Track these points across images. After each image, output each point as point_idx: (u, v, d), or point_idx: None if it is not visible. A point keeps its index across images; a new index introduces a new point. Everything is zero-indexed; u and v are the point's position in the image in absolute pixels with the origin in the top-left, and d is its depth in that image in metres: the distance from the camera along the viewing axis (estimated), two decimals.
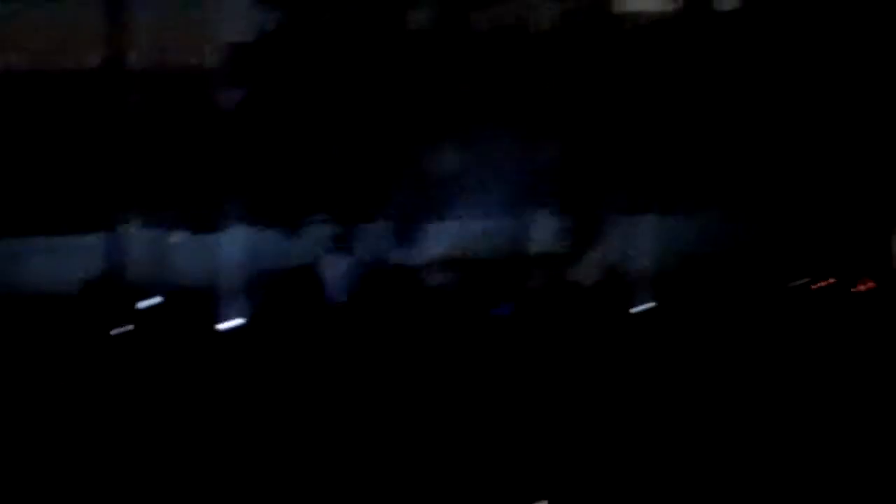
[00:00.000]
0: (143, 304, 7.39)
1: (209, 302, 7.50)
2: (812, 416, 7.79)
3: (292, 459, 7.15)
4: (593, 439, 7.63)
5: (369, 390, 7.58)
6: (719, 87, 8.27)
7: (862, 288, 8.51)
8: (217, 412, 7.24)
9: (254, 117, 7.57)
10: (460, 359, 7.81)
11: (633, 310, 8.22)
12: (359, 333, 7.69)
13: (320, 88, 7.69)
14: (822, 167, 8.41)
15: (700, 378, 7.95)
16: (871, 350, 8.17)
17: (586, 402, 7.80)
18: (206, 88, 7.51)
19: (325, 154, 7.72)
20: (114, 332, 7.30)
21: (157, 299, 7.39)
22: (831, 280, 8.48)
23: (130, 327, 7.34)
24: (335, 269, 7.77)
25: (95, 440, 7.00)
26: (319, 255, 7.73)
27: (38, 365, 7.12)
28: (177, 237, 7.47)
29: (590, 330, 8.07)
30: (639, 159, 8.19)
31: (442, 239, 7.93)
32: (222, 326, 7.48)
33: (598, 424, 7.71)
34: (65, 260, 7.29)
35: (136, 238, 7.41)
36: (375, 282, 7.86)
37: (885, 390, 7.97)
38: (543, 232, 8.11)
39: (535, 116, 8.03)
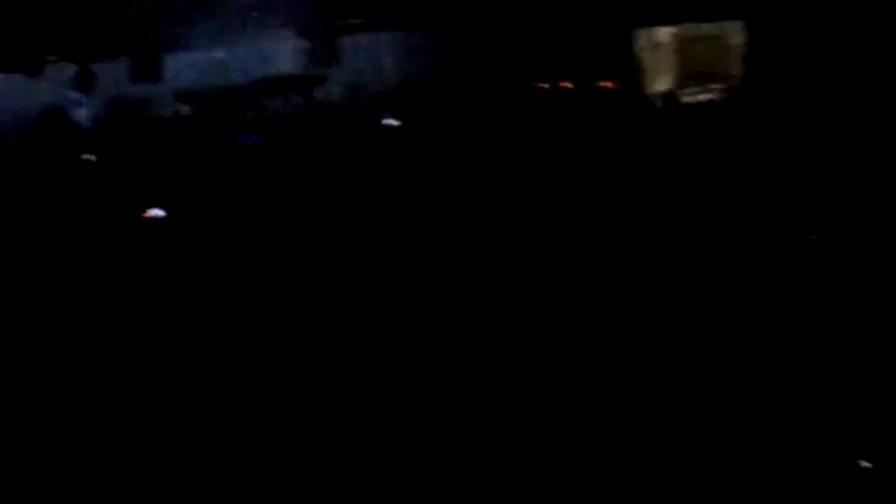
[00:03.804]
0: None
1: None
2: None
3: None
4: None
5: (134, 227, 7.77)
6: None
7: (604, 86, 8.76)
8: None
9: None
10: (213, 189, 8.00)
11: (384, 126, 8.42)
12: (108, 169, 7.87)
13: None
14: None
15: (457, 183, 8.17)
16: (614, 136, 8.42)
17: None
18: None
19: None
20: None
21: None
22: (573, 82, 8.73)
23: None
24: (80, 107, 7.93)
25: None
26: (64, 95, 7.88)
27: None
28: None
29: (340, 148, 8.27)
30: None
31: (184, 71, 8.08)
32: None
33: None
34: None
35: None
36: (120, 117, 8.02)
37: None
38: (284, 57, 8.27)
39: None
